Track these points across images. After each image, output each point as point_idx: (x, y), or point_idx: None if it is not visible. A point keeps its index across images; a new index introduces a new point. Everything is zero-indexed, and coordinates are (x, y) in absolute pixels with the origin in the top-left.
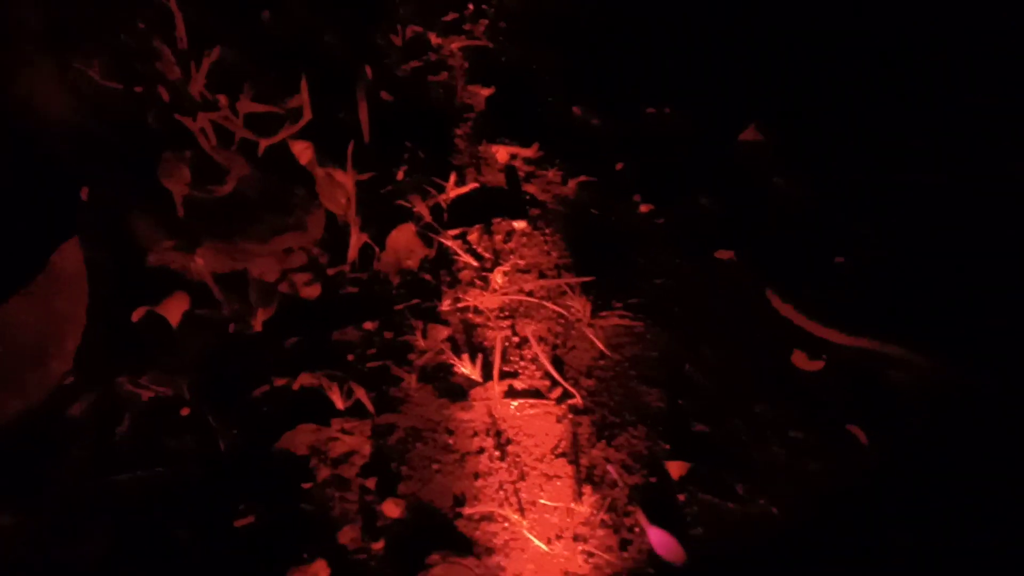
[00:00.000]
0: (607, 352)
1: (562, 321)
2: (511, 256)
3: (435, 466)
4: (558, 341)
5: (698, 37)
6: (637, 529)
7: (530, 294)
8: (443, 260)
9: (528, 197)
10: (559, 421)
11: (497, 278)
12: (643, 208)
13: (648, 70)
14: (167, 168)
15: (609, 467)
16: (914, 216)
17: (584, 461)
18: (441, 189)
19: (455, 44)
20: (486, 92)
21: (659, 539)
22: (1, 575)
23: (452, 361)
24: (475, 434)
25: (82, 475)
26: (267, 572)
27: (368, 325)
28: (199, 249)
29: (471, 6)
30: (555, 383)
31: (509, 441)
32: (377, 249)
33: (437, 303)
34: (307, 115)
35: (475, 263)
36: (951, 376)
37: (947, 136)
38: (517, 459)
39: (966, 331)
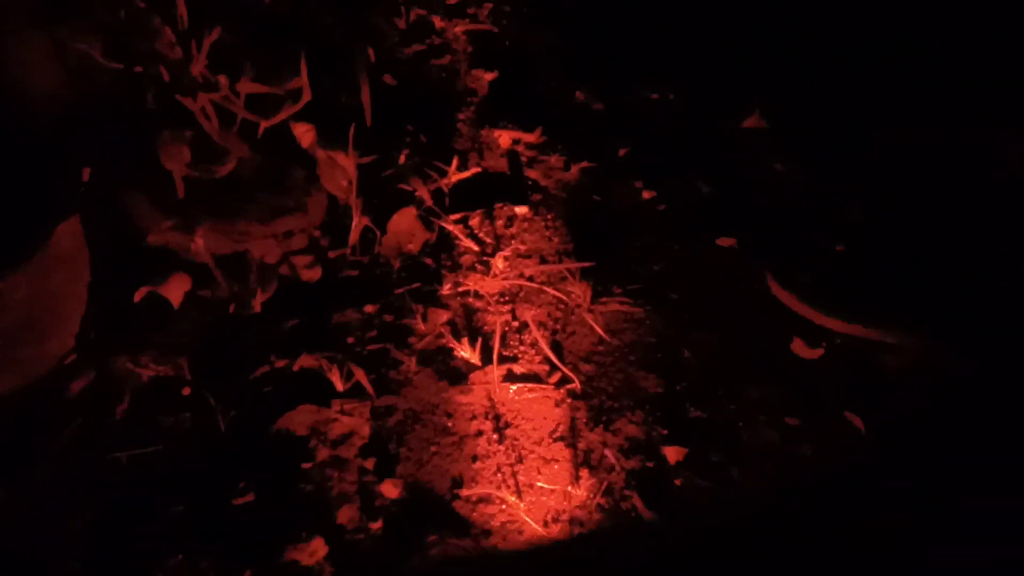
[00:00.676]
0: (606, 337)
1: (562, 306)
2: (512, 241)
3: (433, 448)
4: (558, 326)
5: (702, 23)
6: (634, 514)
7: (531, 279)
8: (444, 244)
9: (530, 182)
10: (557, 405)
11: (498, 263)
12: (645, 194)
13: (652, 56)
14: (167, 148)
15: (607, 451)
16: (912, 203)
17: (582, 445)
18: (443, 173)
19: (459, 28)
20: (489, 76)
21: None
22: None
23: (452, 345)
24: (474, 417)
25: (79, 453)
26: (265, 550)
27: (368, 308)
28: (199, 230)
29: None
30: (554, 368)
31: (507, 424)
32: (378, 232)
33: (438, 287)
34: (307, 95)
35: (476, 248)
36: (946, 361)
37: (945, 117)
38: (515, 442)
39: (962, 317)
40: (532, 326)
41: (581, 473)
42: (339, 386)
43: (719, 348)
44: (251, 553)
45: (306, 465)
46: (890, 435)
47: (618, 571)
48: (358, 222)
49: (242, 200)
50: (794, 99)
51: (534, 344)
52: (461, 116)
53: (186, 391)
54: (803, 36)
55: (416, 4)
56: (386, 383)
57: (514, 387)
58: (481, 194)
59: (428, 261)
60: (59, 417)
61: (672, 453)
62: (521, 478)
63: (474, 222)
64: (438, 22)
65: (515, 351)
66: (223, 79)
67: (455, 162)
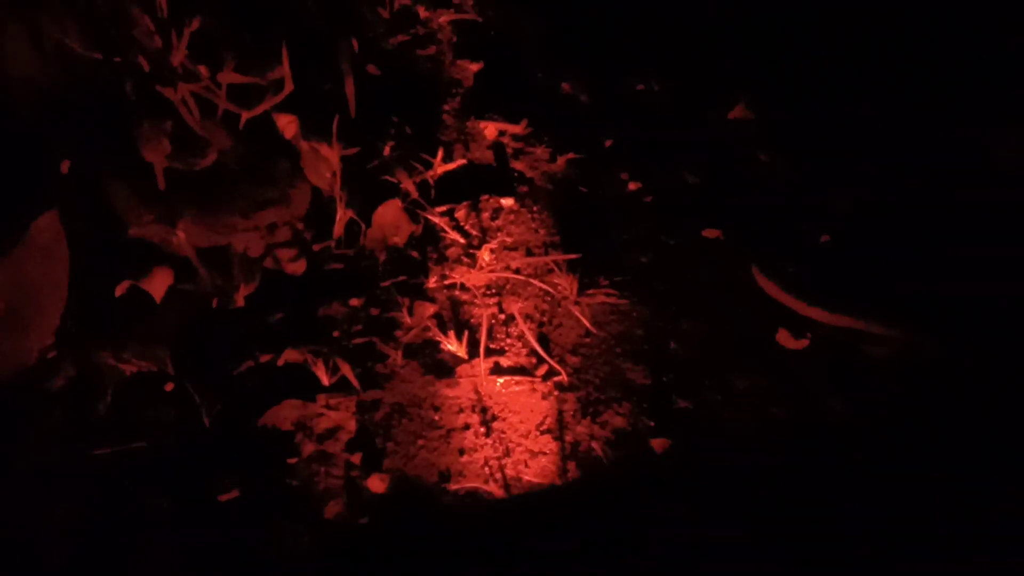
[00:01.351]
0: (593, 330)
1: (548, 299)
2: (498, 233)
3: (420, 442)
4: (544, 319)
5: (688, 14)
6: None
7: (517, 272)
8: (430, 237)
9: (516, 174)
10: (544, 398)
11: (484, 255)
12: (631, 186)
13: (638, 47)
14: (147, 140)
15: (593, 444)
16: (898, 194)
17: (569, 438)
18: (428, 165)
19: (444, 18)
20: (475, 67)
21: None
22: None
23: (438, 338)
24: (461, 410)
25: (62, 446)
26: (250, 545)
27: (354, 301)
28: (180, 222)
29: None
30: (541, 360)
31: (495, 418)
32: (363, 225)
33: (424, 280)
34: (289, 86)
35: (462, 240)
36: (930, 352)
37: (931, 111)
38: (502, 435)
39: (947, 308)
40: (519, 319)
41: (568, 466)
42: (325, 380)
43: (705, 339)
44: (237, 548)
45: (292, 460)
46: (874, 424)
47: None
48: (343, 214)
49: (224, 192)
50: (780, 90)
51: (521, 337)
52: (446, 107)
53: (169, 386)
54: (788, 26)
55: None
56: (372, 377)
57: (501, 380)
58: (467, 186)
59: (414, 254)
60: (41, 410)
61: (659, 444)
62: (508, 472)
63: (460, 214)
64: (423, 12)
65: (502, 344)
66: (204, 69)
67: (440, 154)
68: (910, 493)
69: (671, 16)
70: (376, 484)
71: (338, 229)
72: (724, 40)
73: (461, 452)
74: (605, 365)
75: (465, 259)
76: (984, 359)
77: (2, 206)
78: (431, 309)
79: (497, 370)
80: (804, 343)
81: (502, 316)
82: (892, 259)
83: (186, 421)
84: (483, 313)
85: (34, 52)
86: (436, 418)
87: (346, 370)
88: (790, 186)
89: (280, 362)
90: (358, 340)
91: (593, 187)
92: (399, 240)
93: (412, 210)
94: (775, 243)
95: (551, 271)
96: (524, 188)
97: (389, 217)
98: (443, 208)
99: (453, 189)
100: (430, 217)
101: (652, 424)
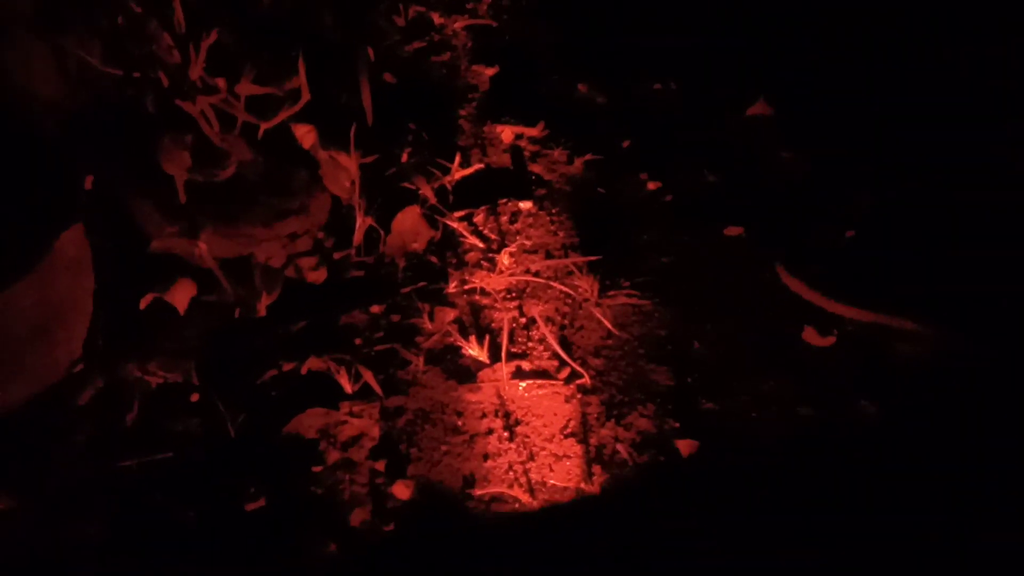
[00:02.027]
0: (615, 331)
1: (569, 301)
2: (517, 237)
3: (444, 448)
4: (566, 321)
5: (702, 11)
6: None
7: (537, 275)
8: (449, 242)
9: (534, 177)
10: (568, 401)
11: (503, 259)
12: (650, 185)
13: (653, 47)
14: (168, 153)
15: (619, 446)
16: (924, 188)
17: (593, 441)
18: (446, 171)
19: (458, 24)
20: (490, 72)
21: None
22: (3, 555)
23: (459, 343)
24: (484, 415)
25: (90, 461)
26: (279, 554)
27: (375, 308)
28: (202, 234)
29: None
30: (563, 363)
31: (518, 422)
32: (382, 232)
33: (444, 285)
34: (305, 96)
35: (481, 244)
36: (961, 349)
37: (954, 106)
38: (526, 440)
39: (977, 304)
40: (540, 322)
41: (594, 469)
42: (348, 388)
43: (730, 339)
44: (264, 558)
45: (317, 468)
46: (905, 424)
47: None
48: (362, 222)
49: (245, 203)
50: (800, 86)
51: (542, 340)
52: (463, 112)
53: (194, 397)
54: (805, 21)
55: (415, 1)
56: (395, 383)
57: (523, 384)
58: (485, 190)
59: (433, 259)
60: (69, 425)
61: (685, 446)
62: (533, 476)
63: (478, 219)
64: (437, 18)
65: (523, 347)
66: (222, 82)
67: (458, 159)
68: (943, 494)
69: (686, 15)
70: (401, 491)
71: (358, 237)
72: (741, 37)
73: (485, 457)
74: (628, 367)
75: (484, 263)
76: (1019, 358)
77: (29, 222)
78: (452, 314)
79: (519, 374)
80: (831, 340)
81: (523, 320)
82: (919, 256)
83: (212, 431)
84: (504, 317)
85: (59, 73)
86: (459, 423)
87: (368, 377)
88: (812, 183)
89: (303, 370)
90: (380, 347)
91: (612, 188)
92: (418, 246)
93: (431, 216)
94: (799, 240)
95: (571, 273)
96: (542, 191)
97: (408, 224)
98: (461, 213)
99: (471, 194)
100: (449, 222)
101: (677, 426)
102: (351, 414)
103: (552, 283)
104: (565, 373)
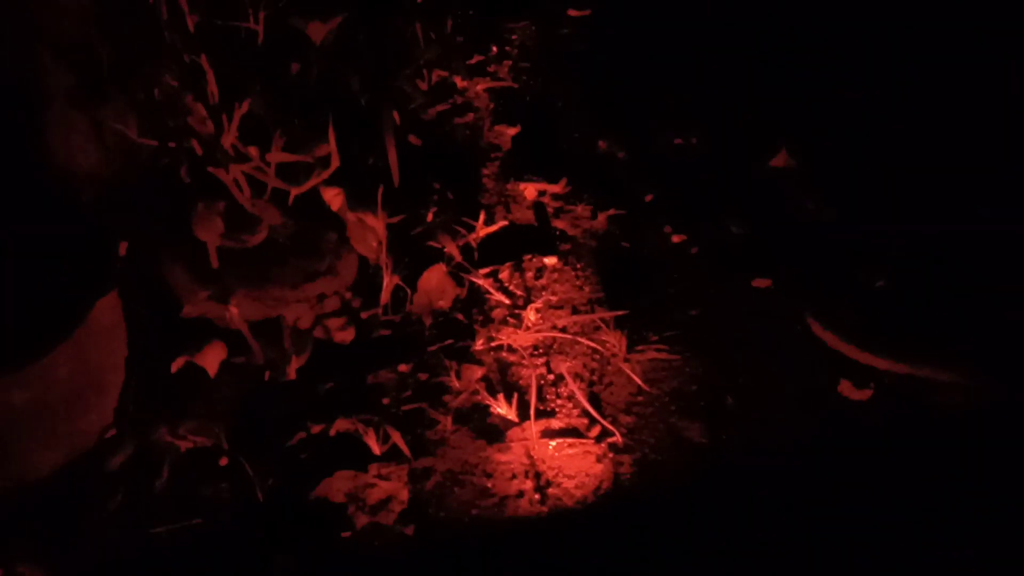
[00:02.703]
0: (645, 387)
1: (597, 357)
2: (543, 292)
3: (474, 511)
4: (594, 378)
5: (719, 66)
6: None
7: (564, 330)
8: (475, 299)
9: (558, 232)
10: (599, 460)
11: (530, 315)
12: (675, 238)
13: (672, 102)
14: (201, 220)
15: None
16: (953, 236)
17: (627, 504)
18: (471, 228)
19: (480, 86)
20: (512, 131)
21: None
22: None
23: (487, 401)
24: (514, 476)
25: (119, 528)
26: None
27: (402, 367)
28: (233, 298)
29: (495, 48)
30: (593, 421)
31: (548, 483)
32: (409, 291)
33: (470, 343)
34: (335, 163)
35: (507, 301)
36: (1002, 397)
37: (983, 151)
38: (559, 503)
39: (1013, 351)
40: (568, 378)
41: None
42: (376, 449)
43: (764, 393)
44: None
45: (346, 534)
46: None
47: None
48: (389, 281)
49: (275, 266)
50: (821, 135)
51: (571, 397)
52: (486, 171)
53: (223, 461)
54: (825, 73)
55: (438, 66)
56: (423, 444)
57: (553, 443)
58: (509, 247)
59: (459, 317)
60: (100, 492)
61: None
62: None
63: (504, 275)
64: (460, 81)
65: (552, 405)
66: (254, 150)
67: (482, 216)
68: (992, 554)
69: (701, 68)
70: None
71: (385, 296)
72: (760, 88)
73: (515, 522)
74: (660, 424)
75: (511, 320)
76: None
77: (66, 290)
78: (479, 372)
79: (548, 433)
80: (868, 393)
81: (551, 376)
82: (953, 303)
83: (240, 496)
84: (531, 374)
85: (97, 145)
86: (489, 485)
87: (396, 438)
88: (840, 232)
89: (332, 432)
90: (407, 407)
91: (636, 242)
92: (444, 304)
93: (456, 273)
94: (829, 290)
95: (598, 328)
96: (567, 246)
97: (434, 282)
98: (487, 270)
99: (496, 250)
100: (474, 279)
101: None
102: (379, 476)
103: (579, 339)
104: (596, 431)
